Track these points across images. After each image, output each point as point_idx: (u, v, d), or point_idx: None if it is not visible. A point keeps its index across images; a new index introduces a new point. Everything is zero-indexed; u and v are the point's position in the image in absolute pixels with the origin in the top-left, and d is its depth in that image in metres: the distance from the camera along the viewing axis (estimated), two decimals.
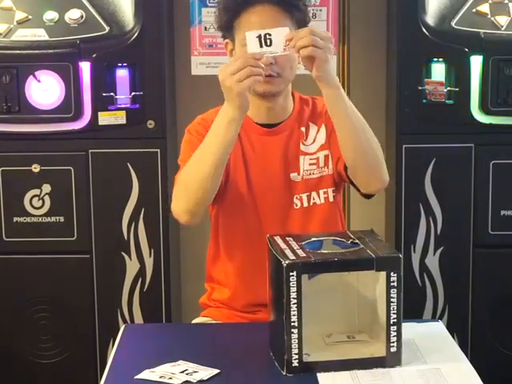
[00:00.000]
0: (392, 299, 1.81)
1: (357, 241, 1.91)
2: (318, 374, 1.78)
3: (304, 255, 1.80)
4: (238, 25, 2.20)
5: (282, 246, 1.87)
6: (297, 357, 1.77)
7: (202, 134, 2.22)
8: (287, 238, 1.92)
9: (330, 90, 2.06)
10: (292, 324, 1.77)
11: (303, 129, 2.30)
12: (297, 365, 1.78)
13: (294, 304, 1.76)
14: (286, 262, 1.77)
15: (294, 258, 1.79)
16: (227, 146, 2.09)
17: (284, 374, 1.79)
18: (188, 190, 2.13)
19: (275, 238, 1.93)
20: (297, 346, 1.77)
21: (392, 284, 1.81)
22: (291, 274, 1.76)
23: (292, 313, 1.76)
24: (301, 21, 2.20)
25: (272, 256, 1.86)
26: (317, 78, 2.04)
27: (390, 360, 1.81)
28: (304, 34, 1.99)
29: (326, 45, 2.00)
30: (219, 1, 2.28)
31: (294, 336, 1.77)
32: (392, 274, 1.81)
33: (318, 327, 1.87)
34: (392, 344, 1.81)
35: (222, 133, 2.07)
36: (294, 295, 1.76)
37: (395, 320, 1.82)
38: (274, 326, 1.88)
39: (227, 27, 2.24)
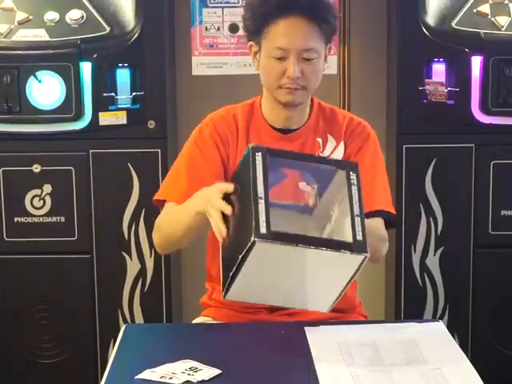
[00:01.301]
0: (354, 195, 1.84)
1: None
2: (319, 375, 1.78)
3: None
4: (267, 34, 2.17)
5: None
6: (264, 224, 1.74)
7: (205, 142, 2.24)
8: None
9: None
10: (259, 195, 1.76)
11: (320, 140, 2.27)
12: (265, 231, 1.73)
13: (260, 180, 1.78)
14: (251, 146, 1.85)
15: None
16: (196, 227, 2.11)
17: (252, 239, 1.73)
18: (163, 237, 2.22)
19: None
20: (264, 214, 1.75)
21: (352, 182, 1.86)
22: (257, 154, 1.82)
23: (259, 185, 1.78)
24: (329, 33, 2.19)
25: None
26: None
27: (357, 246, 1.79)
28: None
29: None
30: (247, 4, 2.26)
31: (261, 206, 1.75)
32: (351, 173, 1.87)
33: None
34: (358, 233, 1.80)
35: (188, 221, 2.09)
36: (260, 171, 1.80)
37: (358, 213, 1.82)
38: (238, 216, 1.87)
39: (254, 33, 2.22)
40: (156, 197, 2.29)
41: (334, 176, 1.92)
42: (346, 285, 1.85)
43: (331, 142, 2.27)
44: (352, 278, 1.84)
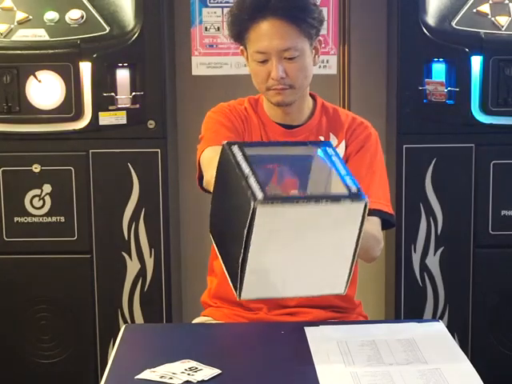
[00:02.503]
0: (337, 163, 1.85)
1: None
2: (318, 375, 1.78)
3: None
4: (248, 39, 2.21)
5: None
6: (260, 191, 1.71)
7: (224, 113, 2.27)
8: None
9: None
10: (246, 174, 1.74)
11: (322, 138, 2.29)
12: (262, 197, 1.70)
13: (243, 163, 1.77)
14: (225, 142, 1.83)
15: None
16: None
17: (252, 206, 1.69)
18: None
19: None
20: (257, 185, 1.72)
21: (331, 155, 1.86)
22: (233, 146, 1.81)
23: (243, 167, 1.76)
24: (309, 32, 2.19)
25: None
26: None
27: (354, 195, 1.76)
28: None
29: None
30: (228, 11, 2.29)
31: (252, 179, 1.73)
32: (328, 148, 1.88)
33: None
34: (351, 187, 1.78)
35: None
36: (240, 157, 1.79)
37: (346, 173, 1.82)
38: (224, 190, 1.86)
39: (238, 38, 2.25)
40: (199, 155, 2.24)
41: (312, 158, 1.91)
42: (355, 251, 1.80)
43: (333, 141, 2.28)
44: (358, 238, 1.81)
